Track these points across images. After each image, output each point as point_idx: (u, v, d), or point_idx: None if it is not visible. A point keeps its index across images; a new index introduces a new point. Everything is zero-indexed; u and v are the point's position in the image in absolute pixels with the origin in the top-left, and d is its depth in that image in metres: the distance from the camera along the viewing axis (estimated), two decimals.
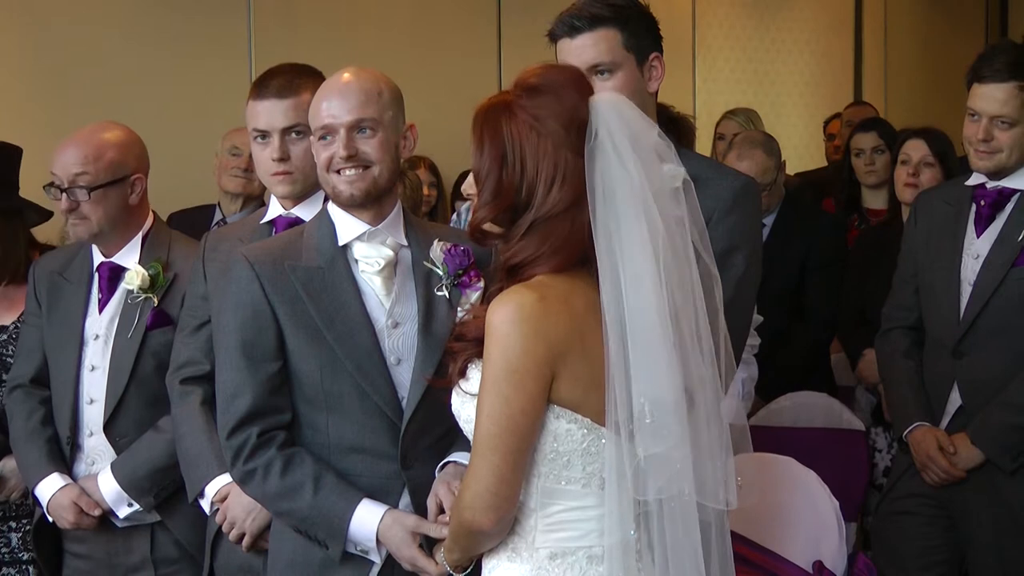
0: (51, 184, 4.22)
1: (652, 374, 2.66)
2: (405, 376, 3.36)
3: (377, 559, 3.30)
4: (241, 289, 3.38)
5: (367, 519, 3.26)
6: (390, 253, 3.39)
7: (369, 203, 3.40)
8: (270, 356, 3.35)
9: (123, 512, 4.19)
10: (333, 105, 3.34)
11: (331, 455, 3.36)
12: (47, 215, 4.73)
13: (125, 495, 4.16)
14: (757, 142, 6.35)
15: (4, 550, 4.57)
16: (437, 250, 3.34)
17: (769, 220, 6.05)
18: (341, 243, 3.40)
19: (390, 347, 3.36)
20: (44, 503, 4.18)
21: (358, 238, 3.39)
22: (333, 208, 3.44)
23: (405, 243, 3.44)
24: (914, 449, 4.69)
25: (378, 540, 3.26)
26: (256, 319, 3.35)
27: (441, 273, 3.36)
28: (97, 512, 4.17)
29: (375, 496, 3.30)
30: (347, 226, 3.40)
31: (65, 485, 4.18)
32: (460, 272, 3.36)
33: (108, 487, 4.16)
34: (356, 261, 3.40)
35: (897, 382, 4.91)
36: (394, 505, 3.31)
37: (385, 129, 3.41)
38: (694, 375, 2.73)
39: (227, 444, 3.41)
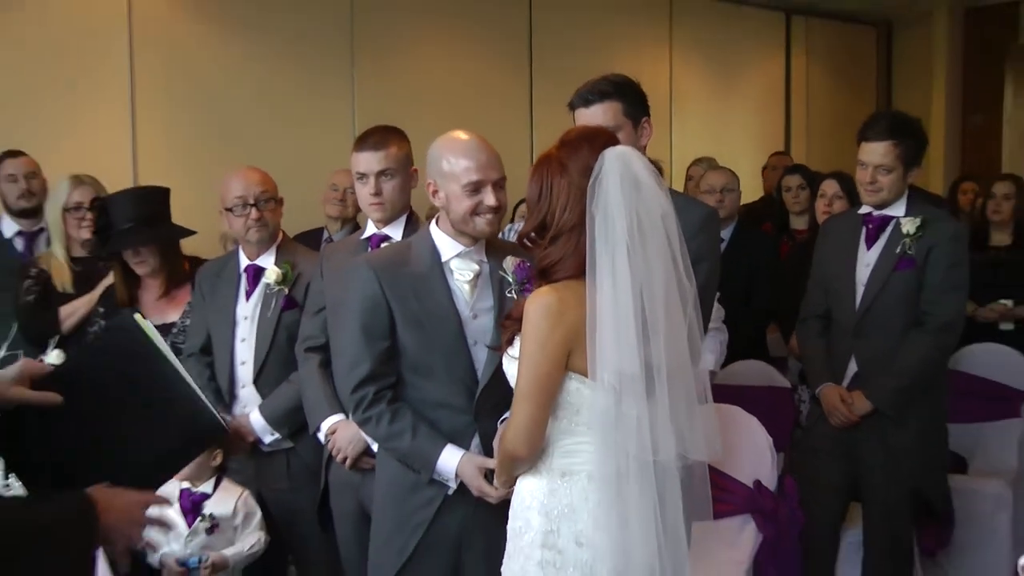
0: (238, 205, 4.29)
1: (613, 350, 2.73)
2: (481, 355, 3.39)
3: (453, 485, 3.37)
4: (365, 286, 3.42)
5: (450, 459, 3.34)
6: (477, 268, 3.43)
7: None
8: (383, 336, 3.41)
9: (267, 439, 4.30)
10: (483, 165, 3.34)
11: (424, 408, 3.42)
12: (191, 232, 4.73)
13: (268, 427, 4.27)
14: (724, 168, 6.68)
15: None
16: (510, 264, 3.35)
17: (727, 236, 6.07)
18: (444, 259, 3.43)
19: (470, 333, 3.39)
20: None
21: (456, 256, 3.43)
22: (435, 230, 3.47)
23: (485, 259, 3.46)
24: (823, 401, 4.77)
25: (456, 474, 3.34)
26: (375, 308, 3.40)
27: (511, 281, 3.36)
28: (251, 439, 4.29)
29: (452, 439, 3.37)
30: (447, 246, 3.43)
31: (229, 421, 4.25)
32: (524, 281, 3.33)
33: (257, 422, 4.28)
34: (451, 271, 3.42)
35: (812, 356, 4.97)
36: (467, 446, 3.37)
37: None
38: (666, 351, 2.76)
39: (350, 398, 3.49)
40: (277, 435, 4.30)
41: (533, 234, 2.93)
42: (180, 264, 4.69)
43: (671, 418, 2.78)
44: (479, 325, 3.41)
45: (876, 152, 4.61)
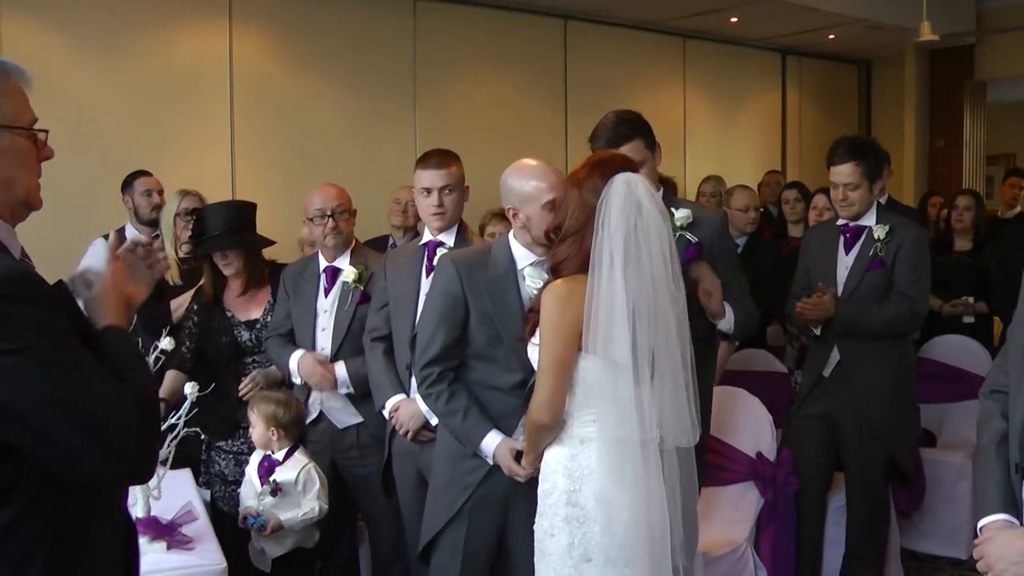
0: (318, 216, 4.28)
1: (605, 341, 2.76)
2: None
3: (491, 462, 3.32)
4: (448, 281, 3.38)
5: (489, 442, 3.30)
6: (547, 276, 3.26)
7: None
8: (456, 327, 3.36)
9: (342, 390, 4.25)
10: (554, 184, 3.23)
11: (480, 389, 3.38)
12: (272, 242, 4.70)
13: (348, 381, 4.22)
14: (748, 187, 6.73)
15: None
16: None
17: (742, 243, 6.15)
18: (519, 266, 3.36)
19: None
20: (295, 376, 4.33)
21: (530, 264, 3.35)
22: (513, 242, 3.40)
23: None
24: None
25: (493, 455, 3.31)
26: (454, 302, 3.36)
27: None
28: (332, 382, 4.25)
29: (501, 418, 3.33)
30: (522, 255, 3.37)
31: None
32: None
33: (341, 374, 4.23)
34: (523, 277, 3.35)
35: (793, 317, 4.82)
36: (514, 424, 3.31)
37: None
38: (654, 349, 2.79)
39: (419, 373, 3.46)
40: (351, 389, 4.24)
41: (554, 233, 3.02)
42: (261, 268, 4.63)
43: (657, 407, 2.80)
44: None
45: (842, 173, 4.56)
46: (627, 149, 3.57)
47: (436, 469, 3.56)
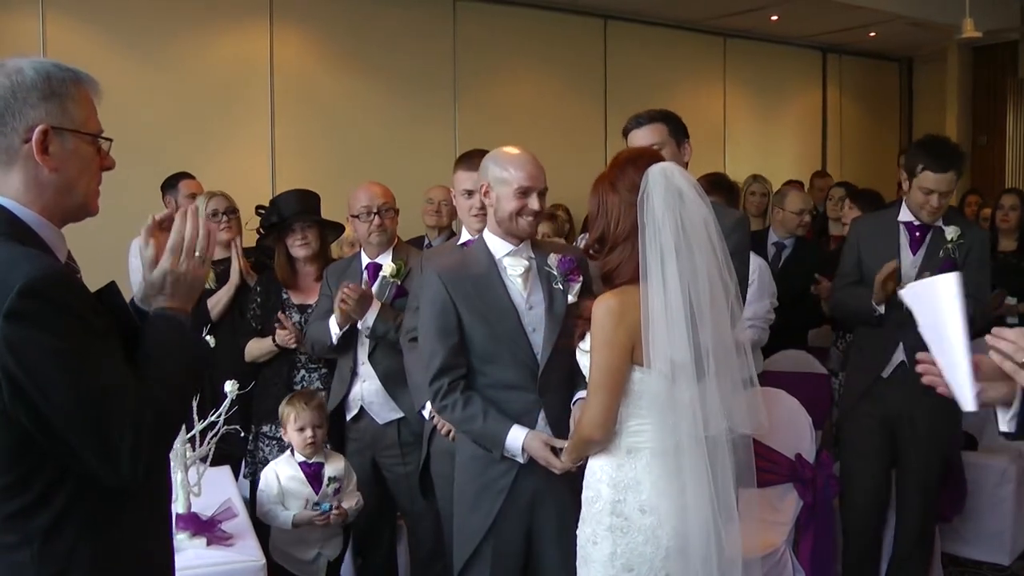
0: (363, 213, 4.30)
1: (665, 341, 2.70)
2: (538, 340, 3.35)
3: (521, 460, 3.31)
4: (434, 292, 3.41)
5: (516, 437, 3.28)
6: (526, 263, 3.39)
7: None
8: (453, 332, 3.36)
9: (370, 320, 4.24)
10: (532, 175, 3.34)
11: (495, 391, 3.36)
12: (342, 229, 4.83)
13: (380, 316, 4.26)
14: (800, 190, 6.79)
15: None
16: (553, 260, 3.37)
17: (790, 244, 6.14)
18: (497, 257, 3.40)
19: (528, 322, 3.35)
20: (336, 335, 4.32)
21: (507, 254, 3.40)
22: (488, 235, 3.45)
23: (533, 256, 3.42)
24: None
25: (523, 449, 3.27)
26: (444, 310, 3.37)
27: (556, 274, 3.37)
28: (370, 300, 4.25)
29: (521, 416, 3.32)
30: (498, 246, 3.41)
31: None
32: (567, 273, 3.37)
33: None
34: (505, 268, 3.39)
35: (847, 295, 4.75)
36: (535, 420, 3.31)
37: None
38: (712, 339, 2.73)
39: (429, 388, 3.45)
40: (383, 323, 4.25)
41: (597, 245, 2.91)
42: (330, 256, 4.73)
43: (719, 397, 2.75)
44: (534, 315, 3.38)
45: (944, 181, 4.42)
46: (646, 130, 3.67)
47: (462, 477, 3.53)
